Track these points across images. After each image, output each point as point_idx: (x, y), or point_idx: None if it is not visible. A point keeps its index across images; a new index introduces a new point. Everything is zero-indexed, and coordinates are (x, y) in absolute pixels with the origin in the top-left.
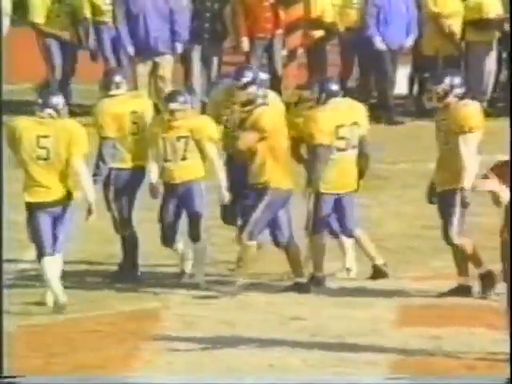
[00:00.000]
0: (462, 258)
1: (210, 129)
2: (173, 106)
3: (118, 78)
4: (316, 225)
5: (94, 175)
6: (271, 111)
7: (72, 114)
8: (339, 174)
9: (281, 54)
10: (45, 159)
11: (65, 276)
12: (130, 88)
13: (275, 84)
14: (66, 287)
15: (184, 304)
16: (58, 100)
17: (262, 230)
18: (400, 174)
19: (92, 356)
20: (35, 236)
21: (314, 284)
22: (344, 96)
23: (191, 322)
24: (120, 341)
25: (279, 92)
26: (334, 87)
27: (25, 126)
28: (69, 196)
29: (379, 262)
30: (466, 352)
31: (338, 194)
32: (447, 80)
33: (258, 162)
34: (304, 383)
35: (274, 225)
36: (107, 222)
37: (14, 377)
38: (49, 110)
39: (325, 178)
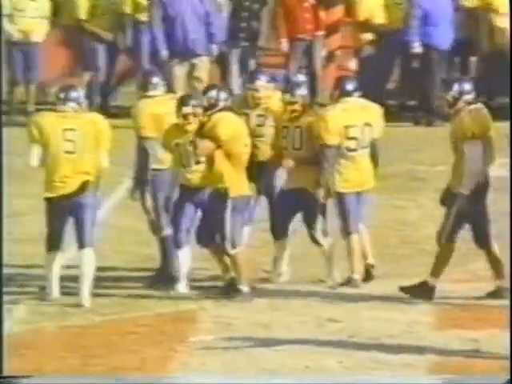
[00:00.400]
0: (497, 261)
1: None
2: (186, 109)
3: (155, 79)
4: (346, 227)
5: (136, 177)
6: (229, 118)
7: (111, 115)
8: (354, 173)
9: (320, 55)
10: (71, 152)
11: (102, 278)
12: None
13: (313, 86)
14: (103, 288)
15: (220, 306)
16: (78, 94)
17: (241, 233)
18: (438, 176)
19: (129, 357)
20: (52, 232)
21: (349, 285)
22: (382, 98)
23: (227, 324)
24: (157, 342)
25: (316, 93)
26: (350, 86)
27: (50, 120)
28: (85, 187)
29: (369, 261)
30: (503, 354)
31: (357, 193)
32: (456, 87)
33: (216, 169)
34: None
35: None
36: (144, 224)
37: (14, 377)
38: (71, 104)
39: (341, 177)
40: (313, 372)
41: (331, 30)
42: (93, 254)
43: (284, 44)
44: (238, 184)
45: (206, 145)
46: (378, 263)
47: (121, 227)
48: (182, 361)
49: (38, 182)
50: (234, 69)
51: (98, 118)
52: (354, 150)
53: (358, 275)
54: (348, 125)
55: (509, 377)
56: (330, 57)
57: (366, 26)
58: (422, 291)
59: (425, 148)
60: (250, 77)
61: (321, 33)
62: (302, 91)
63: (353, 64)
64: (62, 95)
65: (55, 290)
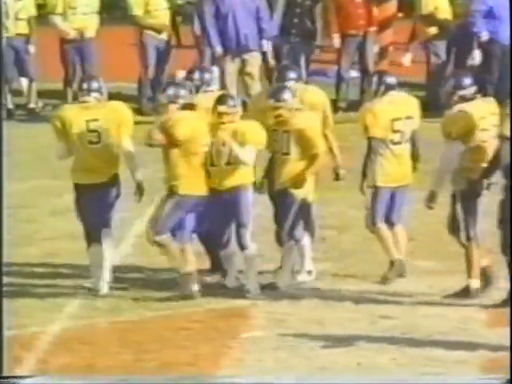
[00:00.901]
0: (470, 261)
1: (253, 133)
2: (221, 108)
3: (197, 75)
4: (373, 217)
5: None
6: (188, 119)
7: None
8: (396, 167)
9: (372, 51)
10: (96, 143)
11: (157, 271)
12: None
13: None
14: (159, 282)
15: (273, 302)
16: (100, 84)
17: (169, 227)
18: None
19: (182, 353)
20: (84, 220)
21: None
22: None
23: (280, 320)
24: (209, 339)
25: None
26: (392, 80)
27: (73, 113)
28: (116, 177)
29: (394, 257)
30: None
31: (394, 188)
32: (452, 81)
33: (170, 166)
34: (393, 383)
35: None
36: None
37: (15, 377)
38: (94, 94)
39: (382, 171)
40: (365, 369)
41: (384, 25)
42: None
43: (336, 40)
44: (189, 183)
45: (158, 136)
46: (432, 260)
47: None
48: (234, 357)
49: None
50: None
51: (120, 105)
52: (399, 143)
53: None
54: (394, 118)
55: (509, 377)
56: (383, 53)
57: (430, 19)
58: (465, 295)
59: None
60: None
61: (373, 28)
62: (287, 96)
63: (406, 59)
64: (84, 86)
65: (104, 286)
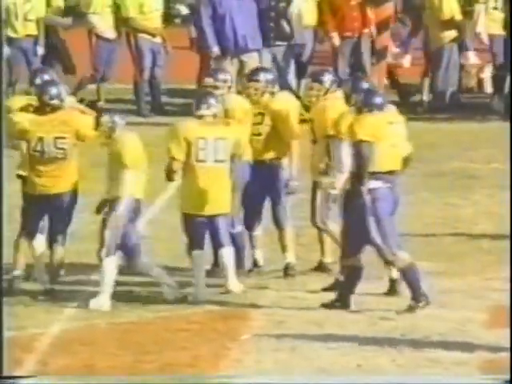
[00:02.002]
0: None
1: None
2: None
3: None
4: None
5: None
6: (133, 142)
7: (164, 112)
8: None
9: (369, 53)
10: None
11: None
12: None
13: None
14: (158, 284)
15: (272, 303)
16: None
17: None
18: (492, 173)
19: (181, 355)
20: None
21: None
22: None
23: (279, 322)
24: (209, 340)
25: None
26: (379, 99)
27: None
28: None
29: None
30: None
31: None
32: (327, 76)
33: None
34: (392, 383)
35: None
36: None
37: (15, 377)
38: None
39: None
40: (364, 370)
41: (380, 27)
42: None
43: (335, 39)
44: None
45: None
46: (431, 261)
47: (172, 225)
48: (234, 358)
49: (91, 180)
50: (291, 67)
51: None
52: None
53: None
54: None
55: (509, 377)
56: (381, 55)
57: (449, 24)
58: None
59: (480, 145)
60: (252, 73)
61: (368, 30)
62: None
63: (406, 61)
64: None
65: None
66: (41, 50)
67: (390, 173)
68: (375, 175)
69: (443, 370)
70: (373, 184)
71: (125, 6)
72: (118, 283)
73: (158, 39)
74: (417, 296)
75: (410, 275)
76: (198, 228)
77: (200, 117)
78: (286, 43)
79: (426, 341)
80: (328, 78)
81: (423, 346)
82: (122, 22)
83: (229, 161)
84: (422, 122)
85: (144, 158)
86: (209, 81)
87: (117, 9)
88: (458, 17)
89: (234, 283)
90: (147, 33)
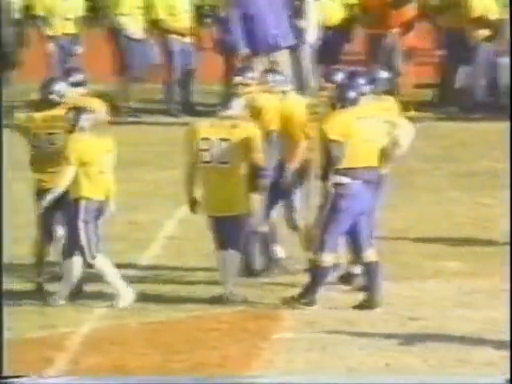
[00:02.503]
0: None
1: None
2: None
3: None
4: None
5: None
6: (80, 141)
7: (194, 112)
8: None
9: (397, 52)
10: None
11: (187, 272)
12: None
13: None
14: (188, 283)
15: (304, 303)
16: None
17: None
18: None
19: (212, 354)
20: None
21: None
22: None
23: (310, 321)
24: (239, 339)
25: (397, 91)
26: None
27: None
28: None
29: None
30: None
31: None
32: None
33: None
34: (421, 383)
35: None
36: None
37: (15, 377)
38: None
39: None
40: (393, 370)
41: (406, 27)
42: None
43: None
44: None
45: None
46: (460, 261)
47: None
48: (265, 358)
49: (120, 180)
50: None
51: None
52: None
53: None
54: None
55: (509, 377)
56: (408, 54)
57: (480, 22)
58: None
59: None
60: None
61: (398, 29)
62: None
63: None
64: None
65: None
66: (80, 49)
67: (364, 169)
68: (342, 171)
69: (474, 370)
70: (339, 180)
71: (154, 8)
72: (147, 282)
73: (188, 39)
74: (306, 293)
75: (316, 275)
76: (217, 229)
77: (222, 118)
78: (301, 42)
79: (455, 341)
80: (341, 78)
81: (454, 346)
82: (152, 23)
83: (238, 162)
84: (454, 122)
85: (101, 158)
86: (238, 79)
87: (147, 10)
88: (493, 15)
89: (231, 288)
90: (177, 34)
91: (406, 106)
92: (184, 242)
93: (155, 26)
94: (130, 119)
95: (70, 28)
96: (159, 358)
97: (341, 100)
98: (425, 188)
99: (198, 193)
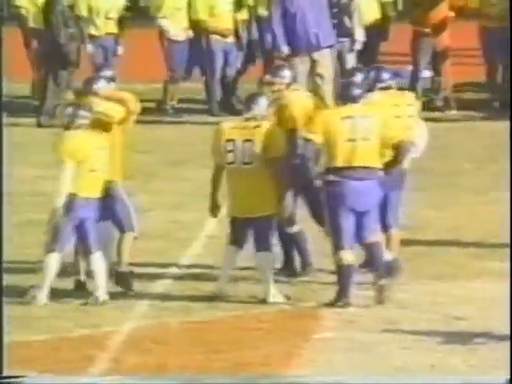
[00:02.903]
0: None
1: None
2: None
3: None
4: None
5: None
6: (76, 136)
7: (236, 112)
8: None
9: (438, 51)
10: None
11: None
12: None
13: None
14: (230, 283)
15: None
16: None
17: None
18: None
19: (253, 354)
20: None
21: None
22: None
23: (351, 321)
24: (281, 339)
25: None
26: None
27: None
28: None
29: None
30: None
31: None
32: (372, 74)
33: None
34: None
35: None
36: None
37: (15, 377)
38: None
39: None
40: (438, 370)
41: (437, 29)
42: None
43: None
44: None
45: None
46: (505, 262)
47: None
48: (307, 358)
49: (163, 178)
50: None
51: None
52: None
53: None
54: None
55: (509, 377)
56: (443, 55)
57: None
58: None
59: None
60: (275, 70)
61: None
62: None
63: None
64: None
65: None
66: (121, 50)
67: (358, 168)
68: (333, 169)
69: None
70: (330, 178)
71: (195, 9)
72: (189, 280)
73: (230, 39)
74: (341, 295)
75: (340, 273)
76: (238, 230)
77: (247, 119)
78: (348, 40)
79: (501, 342)
80: (287, 74)
81: (498, 347)
82: (193, 23)
83: (261, 162)
84: (494, 121)
85: (87, 154)
86: (267, 78)
87: (188, 11)
88: None
89: (268, 292)
90: (219, 34)
91: (448, 105)
92: (225, 241)
93: (196, 26)
94: (173, 119)
95: (112, 28)
96: (201, 357)
97: (343, 97)
98: (471, 188)
99: (221, 196)
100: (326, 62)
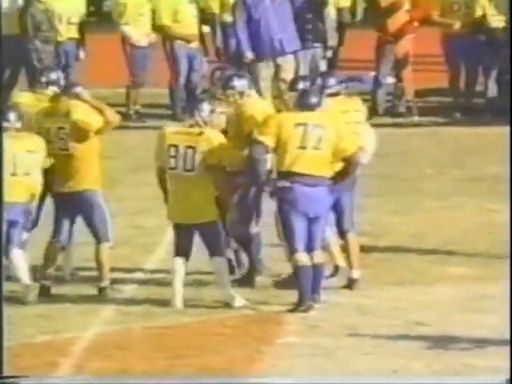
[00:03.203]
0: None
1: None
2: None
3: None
4: None
5: None
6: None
7: None
8: None
9: (399, 58)
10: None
11: (191, 276)
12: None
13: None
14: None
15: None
16: (57, 75)
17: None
18: None
19: (216, 358)
20: None
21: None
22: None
23: (314, 326)
24: (244, 344)
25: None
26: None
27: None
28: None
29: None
30: None
31: None
32: (319, 81)
33: None
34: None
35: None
36: None
37: (15, 377)
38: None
39: None
40: (399, 375)
41: (397, 35)
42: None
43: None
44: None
45: None
46: (468, 267)
47: None
48: (269, 363)
49: (126, 184)
50: (302, 70)
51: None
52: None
53: None
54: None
55: (509, 377)
56: (403, 61)
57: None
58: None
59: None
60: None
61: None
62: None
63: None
64: (44, 79)
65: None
66: (83, 54)
67: (307, 175)
68: (283, 174)
69: (478, 376)
70: (280, 183)
71: (159, 15)
72: (152, 286)
73: (194, 44)
74: (300, 299)
75: (297, 276)
76: (180, 235)
77: (191, 125)
78: (321, 45)
79: (462, 347)
80: (237, 83)
81: (459, 352)
82: (156, 28)
83: (202, 170)
84: (460, 127)
85: (7, 159)
86: (219, 93)
87: (152, 15)
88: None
89: (228, 295)
90: (182, 39)
91: (410, 111)
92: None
93: (160, 31)
94: (136, 124)
95: (74, 33)
96: (164, 363)
97: (300, 104)
98: (431, 193)
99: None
100: (289, 67)
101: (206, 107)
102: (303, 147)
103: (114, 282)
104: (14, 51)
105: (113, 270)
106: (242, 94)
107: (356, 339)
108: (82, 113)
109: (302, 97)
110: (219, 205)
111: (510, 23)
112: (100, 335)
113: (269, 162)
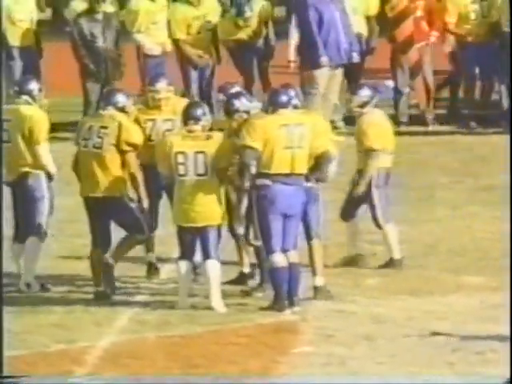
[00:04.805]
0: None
1: None
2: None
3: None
4: None
5: None
6: None
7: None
8: None
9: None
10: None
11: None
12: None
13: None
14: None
15: (321, 317)
16: (33, 86)
17: None
18: None
19: (231, 368)
20: None
21: None
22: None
23: (329, 336)
24: (259, 353)
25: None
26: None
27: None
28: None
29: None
30: None
31: None
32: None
33: None
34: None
35: None
36: None
37: (15, 377)
38: (24, 97)
39: None
40: None
41: (405, 46)
42: None
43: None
44: None
45: None
46: (482, 276)
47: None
48: (284, 372)
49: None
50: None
51: (32, 110)
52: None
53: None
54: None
55: (509, 377)
56: (415, 71)
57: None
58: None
59: None
60: (151, 80)
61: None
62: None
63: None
64: (17, 88)
65: None
66: (40, 59)
67: (288, 174)
68: (263, 174)
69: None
70: (260, 182)
71: (172, 29)
72: (167, 295)
73: (206, 56)
74: (276, 299)
75: (273, 277)
76: (186, 239)
77: (189, 131)
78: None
79: (477, 356)
80: (240, 103)
81: (474, 362)
82: (170, 40)
83: (211, 174)
84: (472, 136)
85: None
86: (226, 118)
87: (166, 26)
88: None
89: (216, 300)
90: (195, 52)
91: (424, 120)
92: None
93: (173, 43)
94: None
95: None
96: (178, 372)
97: (272, 104)
98: (445, 202)
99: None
100: (340, 77)
101: (206, 110)
102: (289, 147)
103: (131, 289)
104: None
105: (129, 277)
106: (247, 112)
107: (370, 348)
108: (126, 127)
109: (272, 96)
110: (228, 207)
111: (511, 23)
112: (114, 344)
113: (256, 166)
